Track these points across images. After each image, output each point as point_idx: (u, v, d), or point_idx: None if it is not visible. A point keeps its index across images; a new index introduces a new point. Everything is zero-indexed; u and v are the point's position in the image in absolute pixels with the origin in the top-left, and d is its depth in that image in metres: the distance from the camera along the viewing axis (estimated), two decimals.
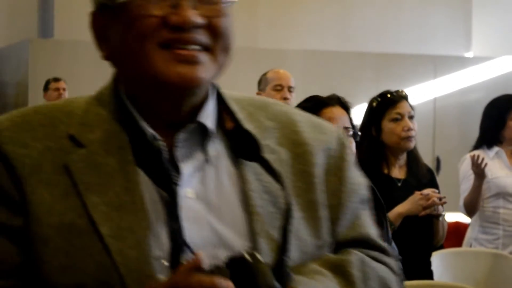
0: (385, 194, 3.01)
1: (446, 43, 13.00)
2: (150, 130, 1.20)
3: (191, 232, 1.17)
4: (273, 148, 1.25)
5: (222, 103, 1.27)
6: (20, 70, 10.95)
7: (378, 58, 12.07)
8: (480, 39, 13.30)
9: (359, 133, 2.45)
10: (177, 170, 1.20)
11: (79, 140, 1.20)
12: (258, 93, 4.14)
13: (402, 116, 3.15)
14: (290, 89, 4.04)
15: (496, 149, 4.12)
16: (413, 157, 3.20)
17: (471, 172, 3.93)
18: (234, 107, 1.27)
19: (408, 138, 3.13)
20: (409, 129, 3.13)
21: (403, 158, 3.19)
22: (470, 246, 4.08)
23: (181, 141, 1.21)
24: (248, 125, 1.25)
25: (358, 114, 4.13)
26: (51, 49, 10.68)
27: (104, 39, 1.24)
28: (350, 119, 2.45)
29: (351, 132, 2.42)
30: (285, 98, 4.02)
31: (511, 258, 3.71)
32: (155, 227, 1.17)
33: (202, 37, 1.19)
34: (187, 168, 1.21)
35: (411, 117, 3.17)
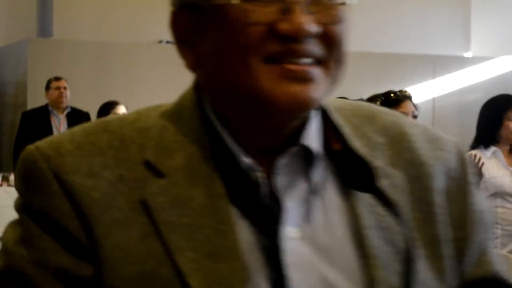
0: None
1: (445, 43, 13.00)
2: (245, 159, 0.98)
3: (297, 283, 0.97)
4: (385, 171, 1.03)
5: (327, 119, 1.05)
6: (19, 70, 10.95)
7: (378, 58, 12.07)
8: (479, 39, 13.30)
9: None
10: (276, 204, 0.99)
11: (157, 168, 0.98)
12: None
13: (406, 115, 3.15)
14: None
15: (493, 148, 4.12)
16: None
17: None
18: (340, 121, 1.05)
19: None
20: None
21: None
22: None
23: (281, 167, 0.99)
24: (355, 143, 1.03)
25: None
26: (50, 49, 10.68)
27: (188, 45, 1.00)
28: None
29: None
30: None
31: (509, 258, 3.71)
32: (253, 278, 0.96)
33: (315, 48, 0.96)
34: (290, 202, 1.00)
35: (414, 117, 3.19)
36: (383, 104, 3.18)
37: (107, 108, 6.07)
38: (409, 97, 3.20)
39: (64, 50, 10.73)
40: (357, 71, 11.86)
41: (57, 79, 7.12)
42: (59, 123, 7.01)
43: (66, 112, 7.03)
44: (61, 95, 7.02)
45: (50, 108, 7.00)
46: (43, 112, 6.94)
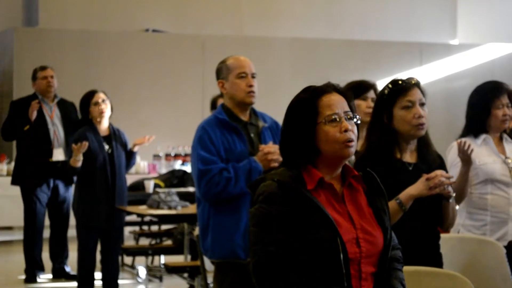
0: (397, 177, 3.10)
1: (432, 31, 13.01)
2: None
3: None
4: None
5: None
6: (5, 59, 10.88)
7: (365, 46, 12.08)
8: (465, 26, 13.31)
9: (358, 117, 2.46)
10: None
11: None
12: (220, 82, 3.92)
13: (413, 103, 3.16)
14: (253, 75, 3.90)
15: (483, 136, 4.10)
16: (423, 142, 3.24)
17: (458, 159, 3.92)
18: None
19: (419, 126, 3.16)
20: (420, 116, 3.14)
21: (413, 143, 3.23)
22: (458, 232, 4.09)
23: None
24: None
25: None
26: (36, 38, 10.62)
27: None
28: (350, 105, 2.48)
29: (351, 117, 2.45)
30: (251, 85, 3.86)
31: (497, 244, 3.72)
32: None
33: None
34: None
35: (422, 104, 3.18)
36: (391, 92, 3.18)
37: (87, 99, 6.01)
38: (416, 84, 3.21)
39: (50, 39, 10.67)
40: (343, 59, 11.86)
41: (43, 68, 7.02)
42: (51, 111, 6.96)
43: (56, 100, 6.98)
44: (49, 85, 6.94)
45: (40, 96, 6.93)
46: (33, 100, 6.86)
